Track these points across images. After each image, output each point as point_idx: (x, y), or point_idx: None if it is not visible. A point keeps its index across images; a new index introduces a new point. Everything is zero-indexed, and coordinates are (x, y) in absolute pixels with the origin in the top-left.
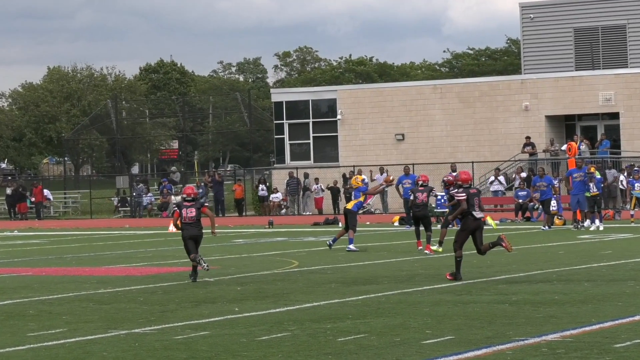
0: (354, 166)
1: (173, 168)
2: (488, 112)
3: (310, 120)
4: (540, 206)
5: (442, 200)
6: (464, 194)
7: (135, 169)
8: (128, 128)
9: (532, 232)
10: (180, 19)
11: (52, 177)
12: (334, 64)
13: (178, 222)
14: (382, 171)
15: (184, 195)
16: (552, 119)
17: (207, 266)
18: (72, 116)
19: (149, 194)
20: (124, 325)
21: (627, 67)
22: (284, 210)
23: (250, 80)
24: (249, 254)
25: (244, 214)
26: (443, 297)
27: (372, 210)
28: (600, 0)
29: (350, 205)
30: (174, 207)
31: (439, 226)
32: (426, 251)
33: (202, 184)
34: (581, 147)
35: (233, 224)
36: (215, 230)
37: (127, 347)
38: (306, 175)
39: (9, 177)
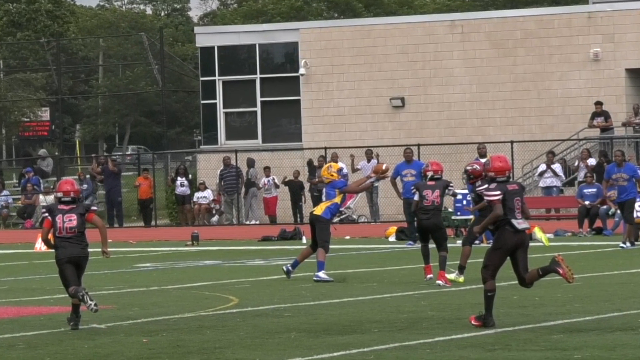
0: (325, 148)
1: (42, 151)
2: (536, 64)
3: (257, 77)
4: (618, 211)
5: (465, 202)
6: (499, 192)
7: None
8: None
9: (606, 252)
10: None
11: None
12: None
13: (50, 235)
14: (369, 156)
15: (60, 195)
16: (637, 75)
17: (94, 305)
18: None
19: (4, 192)
20: None
21: None
22: (215, 218)
23: (163, 14)
24: (161, 286)
25: (153, 223)
26: (466, 355)
27: (355, 217)
28: None
29: (319, 210)
30: (44, 214)
31: (458, 242)
32: (439, 282)
33: (88, 176)
34: None
35: (136, 238)
36: (108, 249)
37: None
38: (251, 163)
39: None
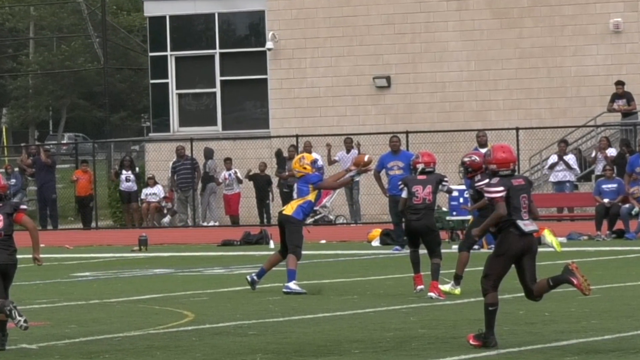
0: (297, 136)
1: None
2: (546, 37)
3: (217, 52)
4: None
5: (461, 200)
6: (501, 189)
7: None
8: None
9: (629, 259)
10: None
11: None
12: None
13: None
14: (349, 146)
15: None
16: None
17: (24, 322)
18: None
19: None
20: None
21: None
22: (167, 218)
23: None
24: (103, 299)
25: (93, 224)
26: None
27: (332, 217)
28: None
29: (290, 210)
30: None
31: (454, 247)
32: (431, 294)
33: (16, 169)
34: None
35: (73, 242)
36: (40, 255)
37: None
38: (209, 154)
39: None
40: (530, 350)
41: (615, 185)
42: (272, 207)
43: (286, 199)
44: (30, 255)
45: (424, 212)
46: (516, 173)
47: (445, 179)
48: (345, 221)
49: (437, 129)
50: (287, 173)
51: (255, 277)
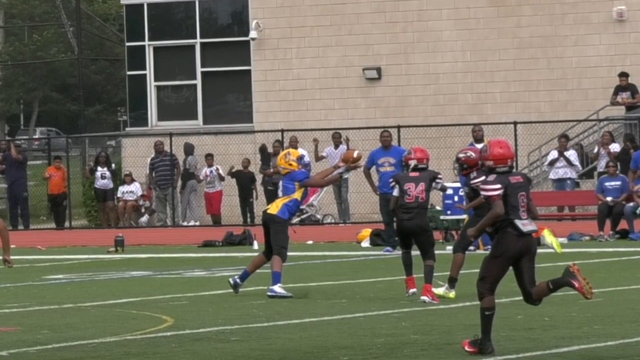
0: (282, 131)
1: None
2: (545, 26)
3: (197, 42)
4: None
5: (456, 199)
6: (499, 186)
7: None
8: None
9: (633, 261)
10: None
11: None
12: None
13: None
14: (337, 141)
15: None
16: None
17: None
18: None
19: None
20: None
21: None
22: (145, 218)
23: None
24: (78, 303)
25: (67, 224)
26: None
27: (319, 216)
28: None
29: (275, 209)
30: None
31: (448, 249)
32: (424, 297)
33: None
34: None
35: (46, 243)
36: (11, 257)
37: None
38: (189, 150)
39: None
40: (529, 357)
41: (618, 183)
42: (255, 206)
43: (271, 197)
44: (0, 257)
45: (416, 211)
46: (514, 170)
47: (439, 176)
48: (333, 221)
49: (431, 123)
50: (271, 170)
51: (238, 280)
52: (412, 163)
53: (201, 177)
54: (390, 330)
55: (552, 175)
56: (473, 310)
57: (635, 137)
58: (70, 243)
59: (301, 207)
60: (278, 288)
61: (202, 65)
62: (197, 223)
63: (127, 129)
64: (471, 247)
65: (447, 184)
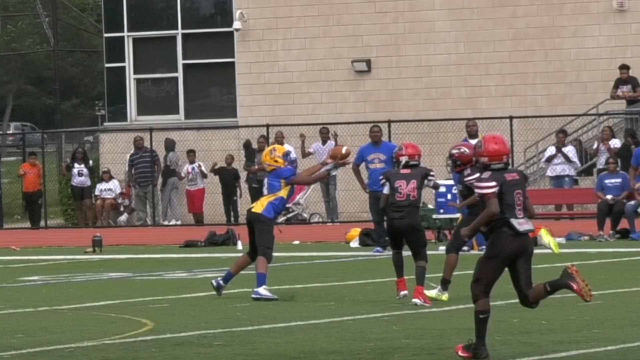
0: (267, 126)
1: None
2: (542, 16)
3: (179, 33)
4: None
5: (449, 197)
6: (494, 184)
7: None
8: None
9: (634, 262)
10: None
11: None
12: None
13: None
14: (325, 137)
15: None
16: None
17: None
18: None
19: None
20: None
21: None
22: (124, 217)
23: None
24: (54, 306)
25: (42, 223)
26: None
27: (306, 215)
28: None
29: (260, 207)
30: None
31: (441, 249)
32: (416, 300)
33: None
34: None
35: (20, 243)
36: None
37: None
38: (170, 146)
39: None
40: None
41: (619, 180)
42: (240, 205)
43: (255, 195)
44: None
45: (407, 209)
46: (510, 167)
47: (432, 173)
48: (320, 220)
49: (423, 117)
50: (256, 167)
51: (221, 282)
52: (404, 159)
53: (183, 174)
54: (380, 334)
55: (549, 172)
56: (467, 313)
57: (637, 132)
58: (45, 243)
59: (287, 205)
60: (263, 290)
61: (184, 58)
62: (179, 222)
63: (105, 124)
64: (465, 248)
65: (440, 182)
